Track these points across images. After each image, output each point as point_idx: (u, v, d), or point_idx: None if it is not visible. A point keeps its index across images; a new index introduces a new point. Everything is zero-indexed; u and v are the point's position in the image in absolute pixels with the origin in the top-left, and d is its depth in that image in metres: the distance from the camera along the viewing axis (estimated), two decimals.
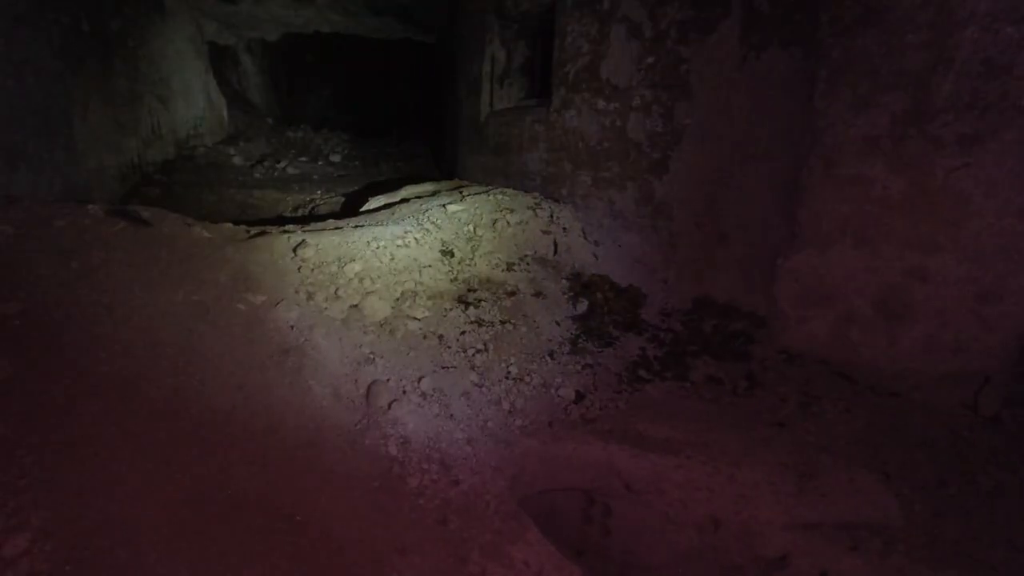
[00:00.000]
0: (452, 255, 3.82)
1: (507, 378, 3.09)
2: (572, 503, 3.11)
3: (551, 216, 4.49)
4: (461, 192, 4.76)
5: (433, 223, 4.00)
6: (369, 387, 2.64)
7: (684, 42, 3.96)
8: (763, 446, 2.77)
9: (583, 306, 4.00)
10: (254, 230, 3.72)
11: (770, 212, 3.62)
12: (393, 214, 4.31)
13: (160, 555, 1.64)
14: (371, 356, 2.85)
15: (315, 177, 8.74)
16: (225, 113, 10.12)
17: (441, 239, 3.88)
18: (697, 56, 3.89)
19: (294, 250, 3.34)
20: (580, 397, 3.15)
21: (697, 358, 3.69)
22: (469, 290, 3.65)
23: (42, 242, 2.83)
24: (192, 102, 8.74)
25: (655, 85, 4.22)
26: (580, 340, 3.69)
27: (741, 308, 3.91)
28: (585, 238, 4.52)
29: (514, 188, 5.27)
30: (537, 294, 3.90)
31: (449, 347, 3.15)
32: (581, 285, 4.22)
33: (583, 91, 4.84)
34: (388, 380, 2.72)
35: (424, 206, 4.38)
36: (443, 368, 2.99)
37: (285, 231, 3.70)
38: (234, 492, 1.88)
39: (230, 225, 3.77)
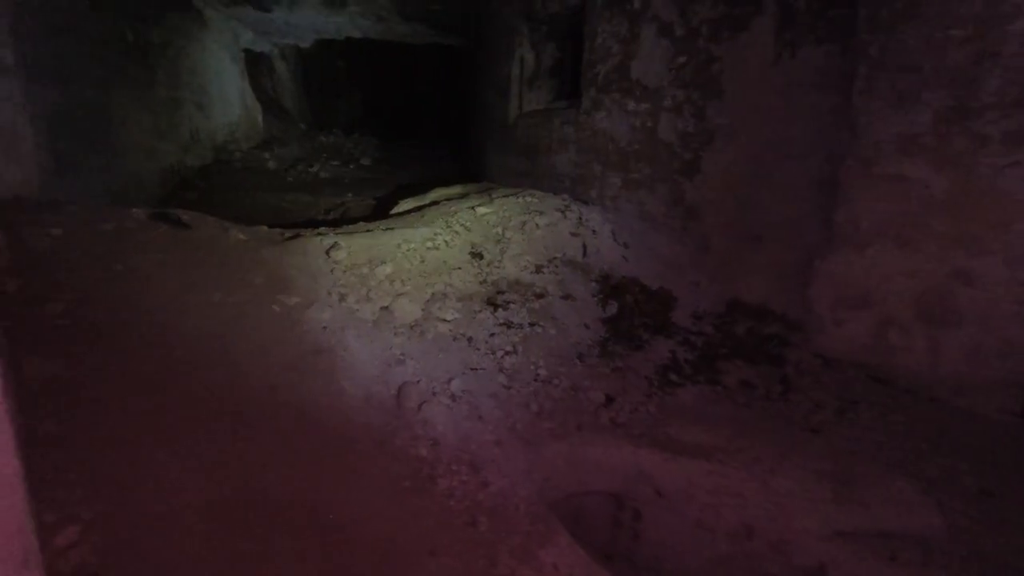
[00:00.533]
0: (481, 257, 3.84)
1: (536, 380, 3.09)
2: (601, 507, 3.08)
3: (580, 218, 4.48)
4: (490, 194, 4.78)
5: (462, 225, 4.03)
6: (400, 388, 2.67)
7: (716, 40, 3.90)
8: (798, 452, 2.70)
9: (612, 308, 3.97)
10: (288, 233, 3.80)
11: (805, 213, 3.54)
12: (423, 216, 4.35)
13: (199, 550, 1.69)
14: (401, 357, 2.88)
15: (346, 180, 8.89)
16: (260, 118, 10.38)
17: (470, 241, 3.91)
18: (729, 55, 3.83)
19: (327, 252, 3.40)
20: (610, 400, 3.13)
21: (729, 362, 3.62)
22: (498, 292, 3.66)
23: (89, 244, 2.95)
24: (229, 108, 8.98)
25: (686, 85, 4.17)
26: (609, 343, 3.67)
27: (775, 311, 3.83)
28: (615, 240, 4.49)
29: (543, 190, 5.27)
30: (566, 296, 3.89)
31: (478, 349, 3.17)
32: (610, 287, 4.19)
33: (613, 92, 4.81)
34: (418, 381, 2.75)
35: (453, 208, 4.41)
36: (472, 370, 3.01)
37: (318, 234, 3.77)
38: (270, 489, 1.92)
39: (265, 228, 3.86)
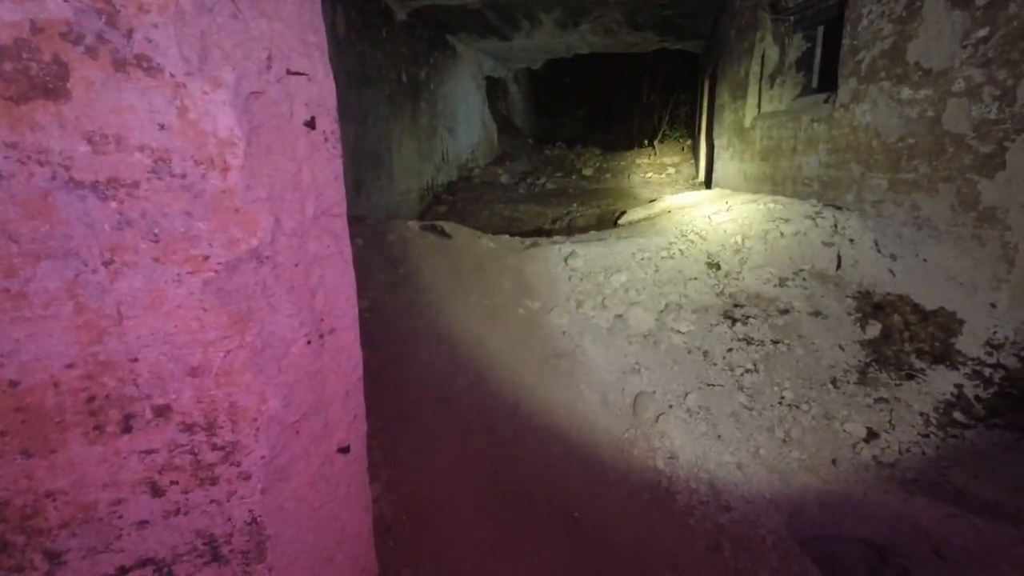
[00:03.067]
0: (718, 268, 3.67)
1: (781, 403, 2.84)
2: (858, 557, 2.70)
3: (834, 226, 3.99)
4: (726, 201, 4.54)
5: (697, 234, 3.90)
6: (636, 397, 2.69)
7: None
8: None
9: (875, 330, 3.45)
10: (528, 241, 4.12)
11: None
12: (655, 225, 4.33)
13: (467, 524, 1.93)
14: (636, 367, 2.91)
15: (570, 191, 9.27)
16: (495, 137, 11.42)
17: (706, 251, 3.76)
18: None
19: (564, 260, 3.59)
20: (872, 435, 2.73)
21: None
22: (736, 305, 3.46)
23: (379, 252, 3.59)
24: (471, 130, 10.07)
25: (987, 63, 3.43)
26: (871, 369, 3.20)
27: None
28: (878, 251, 3.89)
29: (784, 196, 4.82)
30: (815, 313, 3.50)
31: (714, 364, 3.03)
32: (872, 305, 3.65)
33: (880, 80, 4.18)
34: (654, 392, 2.74)
35: (687, 217, 4.29)
36: (708, 385, 2.89)
37: (555, 242, 4.01)
38: (521, 480, 2.11)
39: (508, 237, 4.24)
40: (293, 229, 0.97)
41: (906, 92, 3.98)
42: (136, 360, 0.86)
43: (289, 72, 0.92)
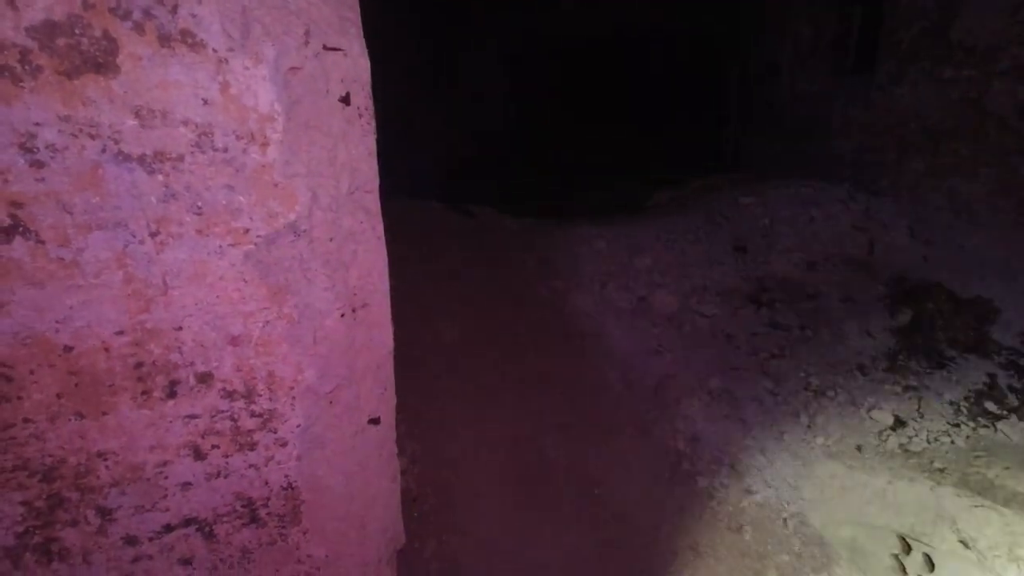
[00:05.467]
0: (744, 251, 3.62)
1: (806, 389, 2.82)
2: (880, 544, 2.69)
3: (866, 210, 3.89)
4: (753, 184, 4.45)
5: (724, 216, 3.84)
6: (658, 379, 2.69)
7: None
8: None
9: (905, 317, 3.38)
10: (551, 222, 4.10)
11: None
12: (682, 207, 4.27)
13: (489, 497, 1.97)
14: (659, 349, 2.91)
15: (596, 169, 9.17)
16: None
17: (733, 233, 3.71)
18: None
19: (588, 241, 3.58)
20: (900, 424, 2.70)
21: None
22: (762, 289, 3.42)
23: (404, 230, 3.63)
24: (492, 107, 10.05)
25: None
26: (900, 357, 3.14)
27: None
28: (912, 236, 3.79)
29: (815, 178, 4.70)
30: (844, 299, 3.44)
31: (738, 348, 3.01)
32: (903, 292, 3.57)
33: (921, 60, 4.03)
34: (676, 375, 2.74)
35: (714, 199, 4.23)
36: (732, 369, 2.88)
37: (579, 223, 3.98)
38: (544, 455, 2.14)
39: (532, 218, 4.23)
40: (329, 204, 0.99)
41: (948, 72, 3.84)
42: (180, 328, 0.90)
43: (326, 48, 0.93)
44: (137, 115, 0.79)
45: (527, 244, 3.59)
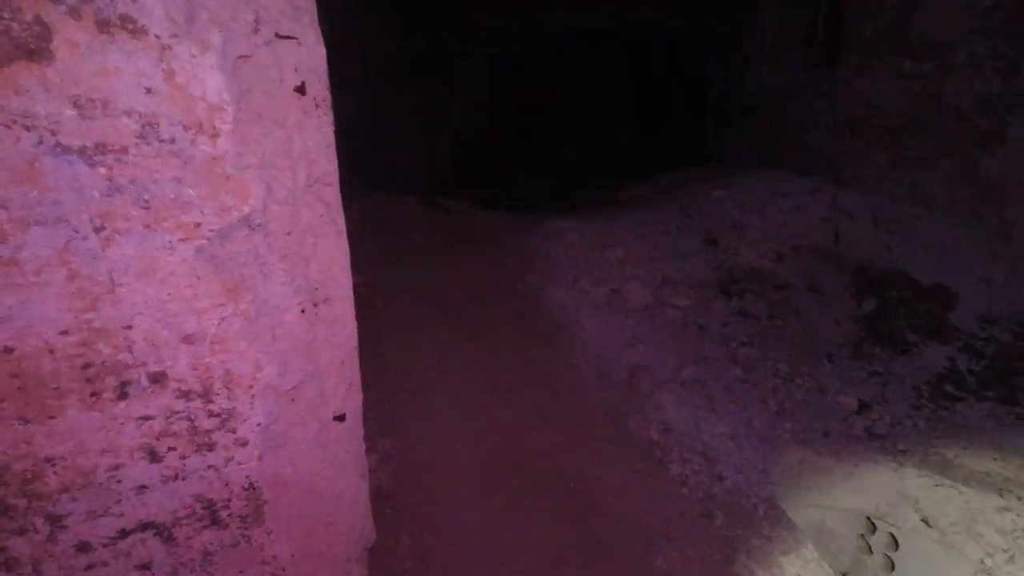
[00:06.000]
0: (716, 243, 3.67)
1: (775, 376, 2.87)
2: (848, 525, 2.76)
3: (833, 201, 3.97)
4: (726, 177, 4.51)
5: (696, 209, 3.89)
6: (632, 371, 2.72)
7: None
8: None
9: (870, 305, 3.47)
10: (525, 216, 4.10)
11: None
12: (655, 200, 4.31)
13: (465, 491, 1.97)
14: (632, 341, 2.93)
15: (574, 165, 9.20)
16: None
17: (704, 226, 3.75)
18: None
19: (562, 235, 3.58)
20: (864, 408, 2.77)
21: None
22: (732, 280, 3.47)
23: (376, 226, 3.58)
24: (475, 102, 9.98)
25: (992, 35, 3.38)
26: (865, 344, 3.22)
27: None
28: (875, 227, 3.89)
29: (786, 171, 4.79)
30: (811, 288, 3.51)
31: (710, 338, 3.05)
32: (867, 281, 3.66)
33: (883, 53, 4.12)
34: (649, 366, 2.77)
35: (686, 192, 4.28)
36: (703, 359, 2.92)
37: (553, 217, 3.99)
38: (520, 448, 2.14)
39: (506, 211, 4.22)
40: (285, 197, 0.97)
41: (908, 65, 3.93)
42: (130, 327, 0.87)
43: (278, 36, 0.90)
44: (76, 105, 0.75)
45: (502, 238, 3.58)
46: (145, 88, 0.78)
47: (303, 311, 1.05)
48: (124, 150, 0.79)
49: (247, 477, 1.02)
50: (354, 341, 1.20)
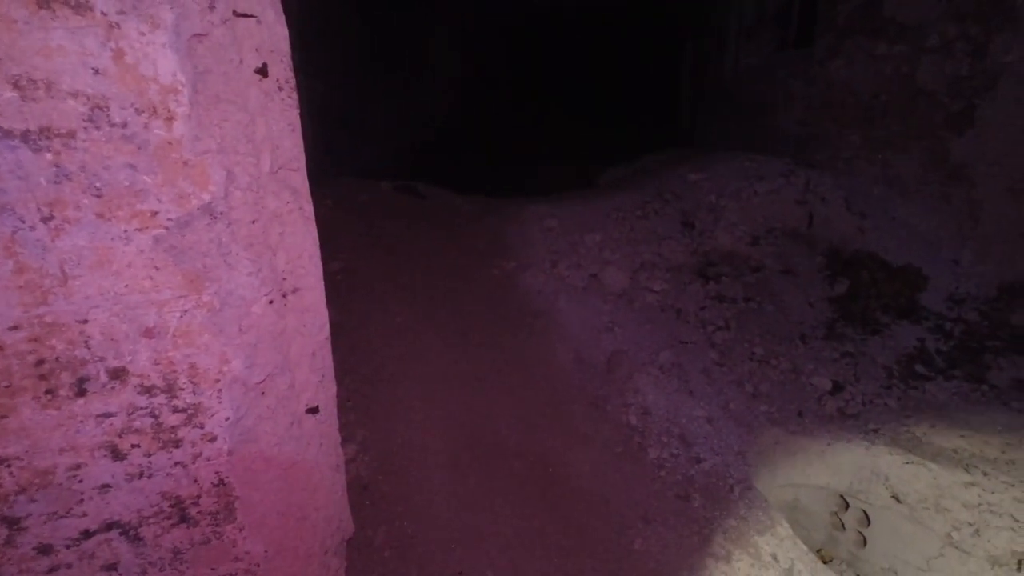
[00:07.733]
0: (692, 227, 3.68)
1: (751, 359, 2.91)
2: (821, 503, 2.83)
3: (807, 184, 4.01)
4: (702, 160, 4.52)
5: (673, 193, 3.89)
6: (610, 355, 2.72)
7: None
8: None
9: (842, 286, 3.53)
10: (502, 201, 4.06)
11: None
12: (632, 184, 4.30)
13: (443, 479, 1.96)
14: (610, 325, 2.93)
15: (549, 149, 9.13)
16: None
17: (681, 209, 3.77)
18: None
19: (540, 220, 3.56)
20: (837, 388, 2.82)
21: (1000, 356, 3.00)
22: (709, 264, 3.49)
23: (352, 213, 3.52)
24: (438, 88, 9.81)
25: (963, 17, 3.42)
26: (838, 325, 3.28)
27: None
28: (848, 209, 3.94)
29: (762, 154, 4.82)
30: (786, 271, 3.55)
31: (688, 322, 3.08)
32: (841, 263, 3.72)
33: (857, 35, 4.15)
34: (627, 350, 2.78)
35: (663, 175, 4.28)
36: (681, 343, 2.94)
37: (530, 201, 3.96)
38: (500, 433, 2.13)
39: (483, 196, 4.18)
40: (248, 184, 0.93)
41: (882, 47, 3.96)
42: (86, 321, 0.83)
43: (236, 14, 0.86)
44: (16, 86, 0.71)
45: (478, 224, 3.54)
46: (92, 68, 0.73)
47: (271, 302, 1.01)
48: (71, 134, 0.75)
49: (216, 473, 1.00)
50: (326, 332, 1.17)
